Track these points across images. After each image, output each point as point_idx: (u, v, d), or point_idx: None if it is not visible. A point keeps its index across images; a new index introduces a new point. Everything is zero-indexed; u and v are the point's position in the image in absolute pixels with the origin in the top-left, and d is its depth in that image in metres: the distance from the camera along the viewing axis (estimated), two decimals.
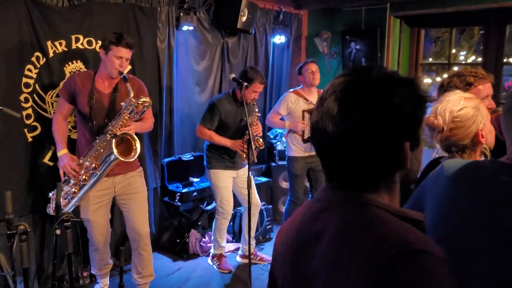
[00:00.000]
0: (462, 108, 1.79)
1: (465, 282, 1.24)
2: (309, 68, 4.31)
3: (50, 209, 3.22)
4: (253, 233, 4.25)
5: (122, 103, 3.11)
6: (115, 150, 2.97)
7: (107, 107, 3.16)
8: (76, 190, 3.13)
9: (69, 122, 3.49)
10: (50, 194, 3.24)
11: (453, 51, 5.18)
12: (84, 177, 3.09)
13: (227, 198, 4.00)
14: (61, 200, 3.13)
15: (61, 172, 3.17)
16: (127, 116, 3.06)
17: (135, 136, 3.08)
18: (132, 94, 3.01)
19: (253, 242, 4.27)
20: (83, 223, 3.32)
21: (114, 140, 2.98)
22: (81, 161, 3.13)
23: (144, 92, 3.29)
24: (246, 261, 3.99)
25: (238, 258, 4.32)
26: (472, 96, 1.89)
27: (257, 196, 4.16)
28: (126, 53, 3.06)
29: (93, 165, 3.07)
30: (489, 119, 1.88)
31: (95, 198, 3.23)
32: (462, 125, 1.78)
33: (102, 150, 3.07)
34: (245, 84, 3.64)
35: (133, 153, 3.07)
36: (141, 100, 3.05)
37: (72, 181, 3.13)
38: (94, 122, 3.14)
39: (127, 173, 3.33)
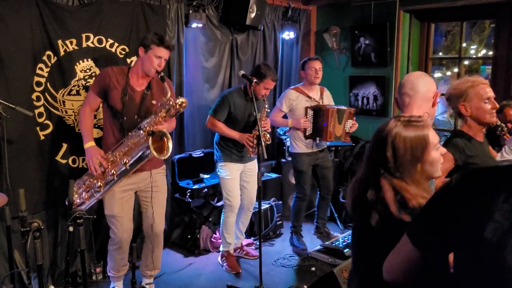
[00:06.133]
0: None
1: None
2: (313, 65, 4.28)
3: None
4: (244, 229, 4.33)
5: (154, 101, 3.14)
6: (152, 147, 2.97)
7: (139, 105, 3.18)
8: (101, 184, 3.11)
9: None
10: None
11: (464, 45, 5.13)
12: (112, 171, 3.08)
13: (233, 190, 4.03)
14: (83, 193, 3.15)
15: (89, 167, 3.15)
16: (163, 115, 3.05)
17: (168, 135, 3.08)
18: (169, 94, 3.02)
19: (242, 237, 4.36)
20: (107, 220, 3.33)
21: (151, 137, 2.99)
22: (109, 156, 3.13)
23: (173, 92, 3.30)
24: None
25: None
26: None
27: (255, 194, 4.17)
28: (166, 53, 3.12)
29: (124, 160, 3.05)
30: None
31: (120, 193, 3.23)
32: None
33: (133, 146, 3.06)
34: (254, 80, 3.65)
35: (165, 151, 3.06)
36: (180, 101, 3.04)
37: (95, 174, 3.13)
38: (125, 118, 3.14)
39: (152, 169, 3.33)
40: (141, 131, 3.03)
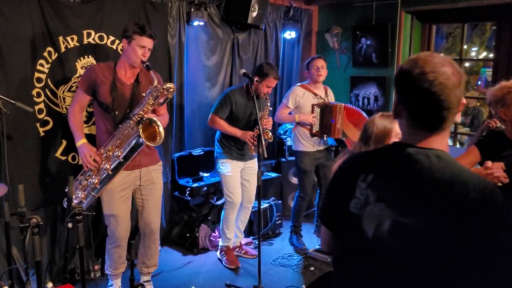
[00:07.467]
0: None
1: None
2: (315, 64, 4.30)
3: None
4: (243, 227, 4.33)
5: (143, 94, 3.11)
6: (142, 135, 2.96)
7: (129, 98, 3.16)
8: (97, 181, 3.09)
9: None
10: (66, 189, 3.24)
11: (465, 47, 5.13)
12: (106, 165, 3.07)
13: (234, 187, 4.03)
14: (79, 192, 3.14)
15: (83, 164, 3.15)
16: (151, 102, 3.04)
17: (158, 121, 3.06)
18: (156, 81, 3.02)
19: (241, 236, 4.36)
20: (105, 219, 3.32)
21: (141, 125, 2.97)
22: (102, 151, 3.11)
23: (160, 80, 3.29)
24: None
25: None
26: None
27: (255, 192, 4.19)
28: (149, 43, 3.10)
29: (117, 153, 3.04)
30: None
31: (119, 191, 3.22)
32: None
33: (124, 138, 3.05)
34: (256, 79, 3.65)
35: (158, 138, 3.04)
36: (167, 85, 3.04)
37: (90, 173, 3.12)
38: (117, 113, 3.12)
39: (150, 166, 3.33)
40: (131, 121, 3.02)
